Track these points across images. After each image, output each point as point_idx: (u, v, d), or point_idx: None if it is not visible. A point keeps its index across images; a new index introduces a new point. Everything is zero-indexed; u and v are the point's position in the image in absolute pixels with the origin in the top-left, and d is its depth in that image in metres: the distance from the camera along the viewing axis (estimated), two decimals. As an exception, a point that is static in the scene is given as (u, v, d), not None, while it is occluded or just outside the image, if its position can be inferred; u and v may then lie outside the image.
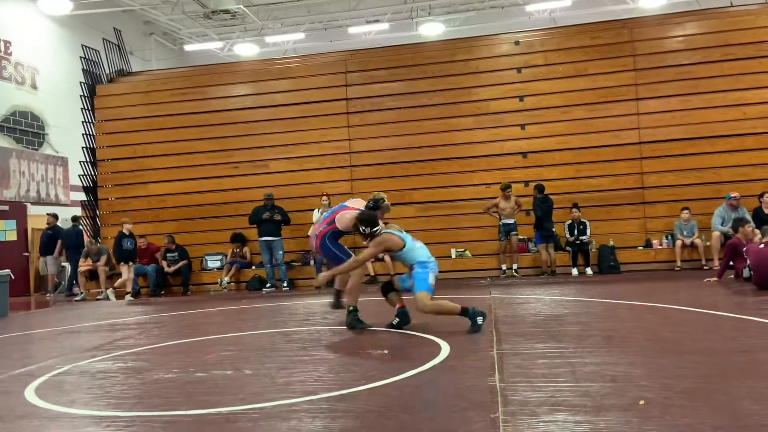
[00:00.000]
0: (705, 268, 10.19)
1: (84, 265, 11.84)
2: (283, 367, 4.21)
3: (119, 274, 12.07)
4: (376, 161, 12.11)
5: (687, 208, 10.66)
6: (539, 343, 4.54)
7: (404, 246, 5.54)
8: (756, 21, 11.32)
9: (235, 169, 12.55)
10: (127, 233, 11.38)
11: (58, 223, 13.43)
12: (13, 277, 10.11)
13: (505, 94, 11.90)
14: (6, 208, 14.08)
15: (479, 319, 5.25)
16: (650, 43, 11.63)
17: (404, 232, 5.72)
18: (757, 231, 7.92)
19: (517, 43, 12.15)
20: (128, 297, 11.12)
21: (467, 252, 11.56)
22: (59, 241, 12.96)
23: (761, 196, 10.23)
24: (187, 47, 21.23)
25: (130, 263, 11.32)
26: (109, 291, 11.38)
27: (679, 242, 10.54)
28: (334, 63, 12.80)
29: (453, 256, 11.54)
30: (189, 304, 9.60)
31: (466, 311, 5.32)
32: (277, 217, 11.15)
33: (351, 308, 5.80)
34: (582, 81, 11.64)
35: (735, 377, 3.34)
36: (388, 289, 5.79)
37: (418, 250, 5.64)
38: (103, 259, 11.79)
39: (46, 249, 13.09)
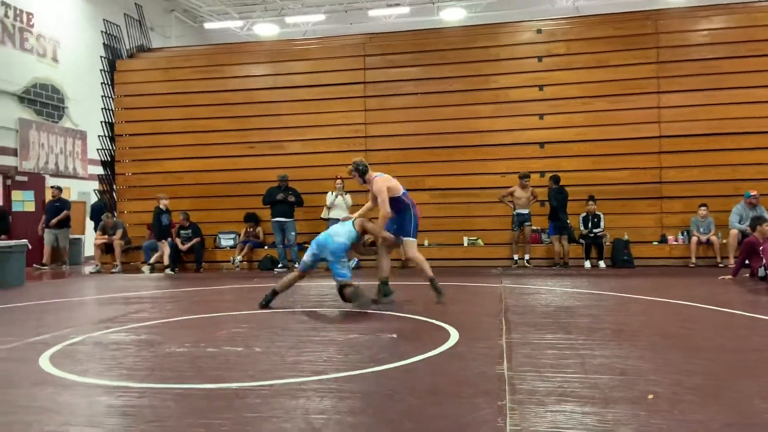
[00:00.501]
0: (720, 265, 10.10)
1: (100, 238, 11.97)
2: (293, 347, 4.25)
3: (135, 248, 12.21)
4: (392, 146, 12.08)
5: (705, 205, 10.54)
6: (549, 334, 4.54)
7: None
8: (785, 17, 11.08)
9: (251, 149, 12.58)
10: (164, 209, 11.40)
11: (67, 197, 13.53)
12: (30, 247, 10.27)
13: (524, 82, 11.79)
14: (25, 179, 14.25)
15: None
16: (674, 35, 11.44)
17: None
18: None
19: (539, 31, 12.01)
20: (168, 271, 11.22)
21: (479, 240, 11.53)
22: (65, 212, 13.00)
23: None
24: (207, 25, 21.23)
25: (168, 239, 11.41)
26: (146, 267, 11.40)
27: (694, 239, 10.44)
28: (352, 46, 12.74)
29: (465, 244, 11.52)
30: (202, 281, 9.70)
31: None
32: (291, 199, 11.19)
33: (384, 280, 6.48)
34: (603, 72, 11.49)
35: (746, 375, 3.32)
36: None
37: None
38: (119, 233, 11.92)
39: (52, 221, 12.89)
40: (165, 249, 11.36)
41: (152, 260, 11.45)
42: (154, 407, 2.93)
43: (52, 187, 13.46)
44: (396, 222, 6.50)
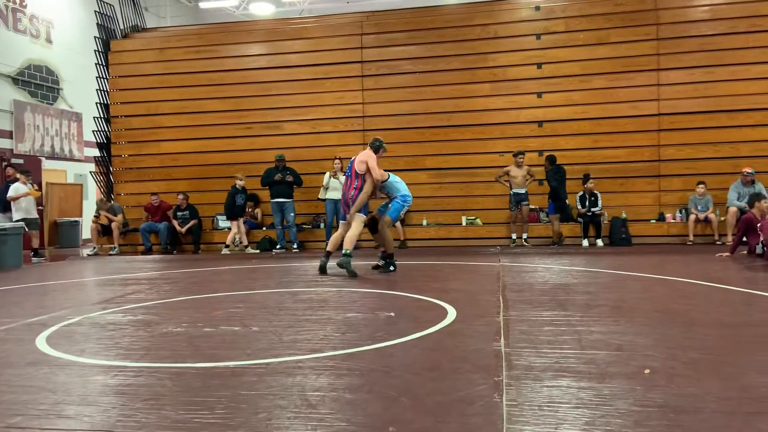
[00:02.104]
0: (718, 243, 10.10)
1: (98, 220, 11.94)
2: (290, 326, 4.24)
3: (132, 230, 12.16)
4: (390, 126, 12.00)
5: (703, 183, 10.51)
6: (546, 311, 4.54)
7: (389, 178, 7.34)
8: (786, -8, 10.95)
9: (248, 130, 12.51)
10: (240, 188, 11.22)
11: (63, 179, 13.18)
12: (27, 230, 10.23)
13: (523, 60, 11.69)
14: (21, 161, 14.18)
15: (391, 268, 7.29)
16: (674, 11, 11.32)
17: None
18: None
19: (537, 8, 11.87)
20: (248, 250, 11.27)
21: (478, 220, 11.52)
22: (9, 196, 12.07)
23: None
24: (203, 4, 21.00)
25: (240, 219, 11.35)
26: (225, 249, 11.26)
27: (692, 216, 10.43)
28: (350, 24, 12.60)
29: (463, 224, 11.51)
30: (199, 262, 9.70)
31: (390, 256, 7.32)
32: (289, 179, 11.13)
33: (347, 252, 7.01)
34: (603, 49, 11.39)
35: (742, 350, 3.33)
36: (375, 225, 7.47)
37: (400, 183, 7.43)
38: (120, 217, 11.89)
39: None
40: (241, 227, 11.30)
41: (228, 241, 11.27)
42: (149, 386, 2.93)
43: (10, 165, 12.39)
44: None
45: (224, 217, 12.33)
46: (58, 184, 15.04)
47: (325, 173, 11.24)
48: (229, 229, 12.11)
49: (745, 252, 8.14)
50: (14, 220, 10.73)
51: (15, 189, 10.92)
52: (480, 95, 11.77)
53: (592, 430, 2.25)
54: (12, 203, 10.77)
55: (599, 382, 2.78)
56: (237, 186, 11.22)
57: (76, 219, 14.54)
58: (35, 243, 11.20)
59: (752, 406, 2.45)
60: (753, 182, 9.95)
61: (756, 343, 3.48)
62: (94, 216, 12.09)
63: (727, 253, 8.15)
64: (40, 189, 11.70)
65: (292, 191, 11.28)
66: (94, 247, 11.92)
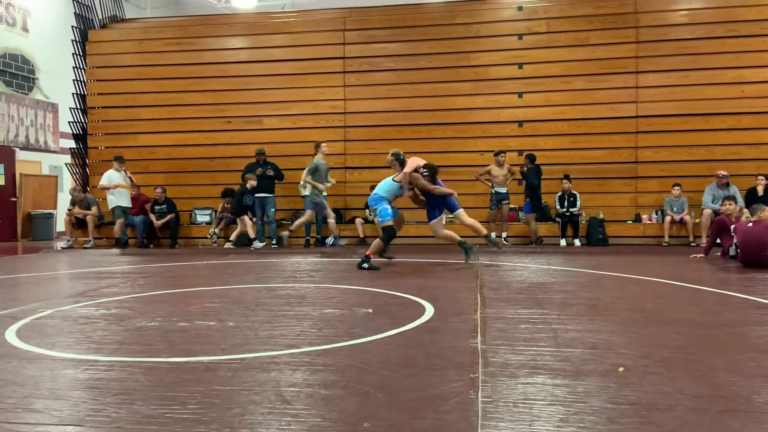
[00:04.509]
0: (692, 244, 10.26)
1: (71, 213, 11.75)
2: (267, 321, 4.21)
3: (107, 224, 11.99)
4: (371, 123, 11.99)
5: (678, 185, 10.67)
6: (523, 309, 4.56)
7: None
8: (762, -2, 11.16)
9: (228, 124, 12.40)
10: (250, 188, 11.01)
11: (38, 171, 13.00)
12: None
13: (504, 60, 11.75)
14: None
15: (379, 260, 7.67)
16: (653, 15, 11.46)
17: None
18: (745, 210, 7.95)
19: (519, 8, 11.94)
20: (257, 244, 10.99)
21: (457, 218, 11.54)
22: None
23: (758, 176, 10.24)
24: (184, -4, 20.73)
25: (247, 215, 11.16)
26: (229, 243, 11.10)
27: (668, 218, 10.57)
28: (332, 20, 12.54)
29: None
30: (176, 256, 9.59)
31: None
32: (270, 173, 11.05)
33: (464, 243, 7.88)
34: (583, 51, 11.50)
35: (714, 349, 3.37)
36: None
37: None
38: (94, 209, 11.72)
39: None
40: (248, 222, 11.09)
41: (232, 237, 11.12)
42: (121, 380, 2.88)
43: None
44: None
45: (203, 212, 12.22)
46: (32, 176, 14.78)
47: (304, 169, 11.17)
48: (207, 223, 12.03)
49: (719, 254, 8.27)
50: (109, 207, 11.21)
51: (108, 177, 11.12)
52: (461, 94, 11.80)
53: (566, 426, 2.26)
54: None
55: (574, 380, 2.80)
56: (246, 186, 11.01)
57: (51, 211, 14.32)
58: (117, 232, 11.23)
59: (722, 404, 2.48)
60: (728, 185, 10.12)
61: (727, 343, 3.53)
62: (68, 208, 11.90)
63: (702, 255, 8.27)
64: (133, 182, 11.58)
65: (274, 186, 11.20)
66: (69, 240, 11.73)
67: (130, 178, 11.45)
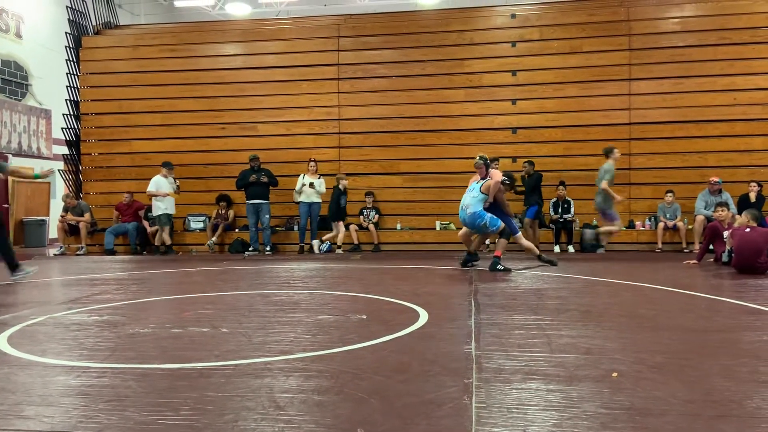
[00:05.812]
0: (686, 251, 10.30)
1: (64, 219, 11.70)
2: (261, 327, 4.20)
3: (100, 230, 11.95)
4: (365, 129, 12.01)
5: (671, 191, 10.72)
6: (517, 315, 4.57)
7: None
8: (753, 6, 11.26)
9: (222, 130, 12.39)
10: (343, 190, 10.90)
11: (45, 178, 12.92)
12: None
13: (498, 67, 11.80)
14: (-14, 158, 13.85)
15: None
16: (646, 23, 11.55)
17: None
18: (737, 216, 8.00)
19: (513, 16, 12.01)
20: (339, 251, 10.90)
21: (451, 225, 11.57)
22: None
23: (750, 183, 10.30)
24: (178, 3, 20.75)
25: (344, 219, 11.05)
26: (315, 242, 10.92)
27: (661, 224, 10.62)
28: (326, 27, 12.58)
29: (437, 228, 11.55)
30: (170, 263, 9.55)
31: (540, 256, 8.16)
32: (264, 179, 11.04)
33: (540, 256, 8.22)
34: (576, 58, 11.56)
35: (707, 355, 3.38)
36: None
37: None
38: (87, 216, 11.67)
39: None
40: (341, 229, 10.96)
41: (325, 238, 10.94)
42: (113, 387, 2.86)
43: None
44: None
45: (197, 218, 12.19)
46: (24, 182, 14.72)
47: (299, 176, 11.18)
48: (201, 230, 12.00)
49: (712, 260, 8.30)
50: (155, 214, 11.14)
51: (156, 183, 11.10)
52: (455, 101, 11.84)
53: (559, 431, 2.26)
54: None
55: (568, 385, 2.80)
56: (340, 188, 10.90)
57: (43, 218, 14.26)
58: (166, 239, 11.17)
59: (715, 409, 2.49)
60: (720, 191, 10.17)
61: (719, 348, 3.54)
62: (61, 215, 11.84)
63: (694, 261, 8.31)
64: (179, 189, 11.52)
65: (268, 192, 11.18)
66: (61, 247, 11.67)
67: (177, 185, 11.40)
